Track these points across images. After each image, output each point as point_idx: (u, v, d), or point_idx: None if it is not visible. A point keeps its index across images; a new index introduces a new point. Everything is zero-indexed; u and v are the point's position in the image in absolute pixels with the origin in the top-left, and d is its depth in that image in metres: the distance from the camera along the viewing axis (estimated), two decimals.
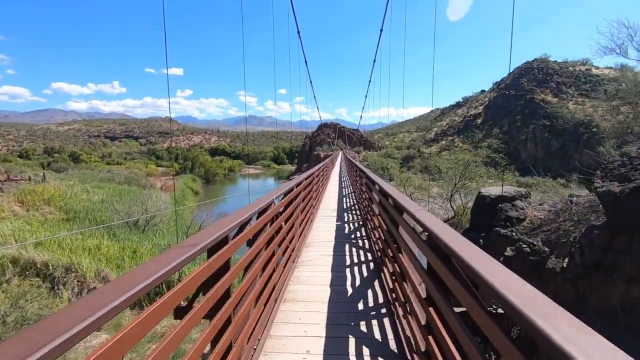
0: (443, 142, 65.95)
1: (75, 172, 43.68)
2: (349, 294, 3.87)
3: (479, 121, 65.55)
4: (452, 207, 17.36)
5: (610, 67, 63.54)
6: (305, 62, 24.58)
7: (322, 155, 52.87)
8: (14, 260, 9.77)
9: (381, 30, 23.09)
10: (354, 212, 9.46)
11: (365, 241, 6.12)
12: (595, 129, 46.57)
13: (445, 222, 15.22)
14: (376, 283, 4.12)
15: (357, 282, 4.21)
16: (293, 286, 4.07)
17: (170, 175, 54.38)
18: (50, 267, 9.55)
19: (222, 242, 1.88)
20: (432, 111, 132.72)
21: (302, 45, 19.85)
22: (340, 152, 51.10)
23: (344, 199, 12.06)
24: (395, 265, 3.18)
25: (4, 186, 22.39)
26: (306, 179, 6.23)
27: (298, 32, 17.58)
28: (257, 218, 2.78)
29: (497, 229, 9.25)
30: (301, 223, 5.56)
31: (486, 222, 9.85)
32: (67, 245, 11.62)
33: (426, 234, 1.94)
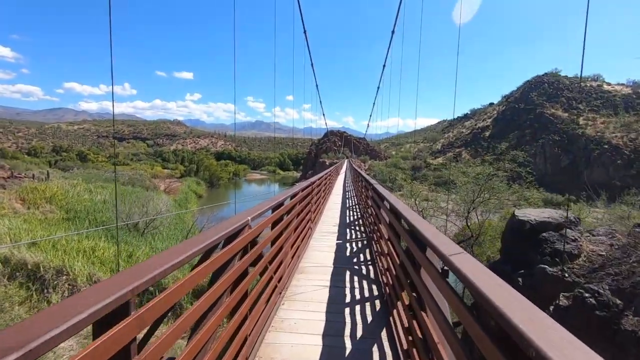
0: (450, 153, 65.33)
1: (80, 171, 43.74)
2: (347, 352, 2.89)
3: (487, 134, 64.92)
4: (467, 226, 15.59)
5: (622, 84, 62.92)
6: (312, 64, 24.12)
7: (327, 163, 52.52)
8: (5, 261, 9.46)
9: (390, 40, 22.75)
10: (357, 228, 8.73)
11: (370, 267, 5.28)
12: (606, 146, 45.90)
13: (459, 243, 13.77)
14: (384, 334, 3.15)
15: (359, 332, 3.25)
16: (273, 335, 3.08)
17: (175, 177, 54.43)
18: (42, 269, 9.22)
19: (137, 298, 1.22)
20: (439, 122, 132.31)
21: (308, 46, 19.31)
22: (346, 161, 50.74)
23: (348, 211, 11.31)
24: (414, 322, 2.32)
25: (7, 183, 22.31)
26: (303, 189, 5.66)
27: (304, 31, 16.99)
28: (224, 246, 2.06)
29: (543, 266, 7.36)
30: (293, 244, 4.70)
31: (524, 253, 8.01)
32: (61, 246, 11.30)
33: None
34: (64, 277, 9.28)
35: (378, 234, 5.10)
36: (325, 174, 11.56)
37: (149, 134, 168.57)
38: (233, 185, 62.17)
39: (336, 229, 8.41)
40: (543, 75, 69.68)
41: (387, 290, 3.79)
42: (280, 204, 3.68)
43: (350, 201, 13.87)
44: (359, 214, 10.62)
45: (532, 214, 8.69)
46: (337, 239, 7.20)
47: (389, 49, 24.61)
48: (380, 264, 4.66)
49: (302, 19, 17.61)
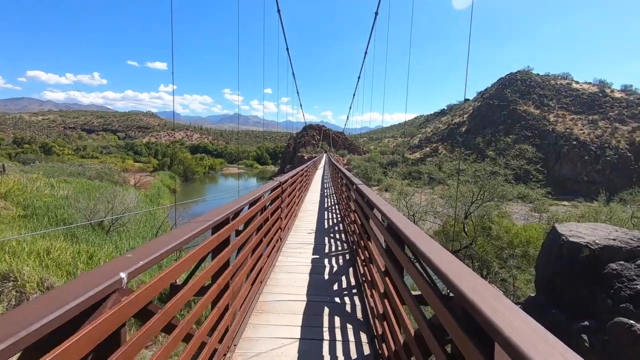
0: (427, 148, 66.22)
1: (43, 164, 41.14)
2: None
3: (463, 129, 66.21)
4: (465, 232, 13.79)
5: (589, 83, 65.60)
6: (287, 49, 23.22)
7: (306, 157, 51.91)
8: None
9: (373, 25, 21.98)
10: (338, 236, 7.53)
11: (356, 301, 3.89)
12: (575, 142, 47.75)
13: (455, 252, 12.23)
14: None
15: None
16: None
17: (148, 171, 52.26)
18: None
19: None
20: (416, 117, 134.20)
21: (282, 27, 18.25)
22: (325, 155, 50.33)
23: (326, 213, 10.30)
24: (366, 252, 3.71)
25: None
26: (273, 190, 4.70)
27: (278, 11, 16.18)
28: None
29: (623, 320, 4.71)
30: (251, 269, 3.45)
31: (585, 294, 5.41)
32: (11, 248, 10.23)
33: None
34: (11, 284, 8.32)
35: (366, 253, 3.84)
36: (302, 170, 10.42)
37: (120, 126, 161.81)
38: (209, 180, 60.50)
39: (312, 237, 7.10)
40: (516, 72, 71.68)
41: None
42: (225, 221, 2.48)
43: (329, 200, 13.30)
44: (339, 216, 9.76)
45: (584, 232, 5.96)
46: (314, 253, 6.03)
47: (370, 35, 23.59)
48: (371, 301, 3.35)
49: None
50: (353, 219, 5.79)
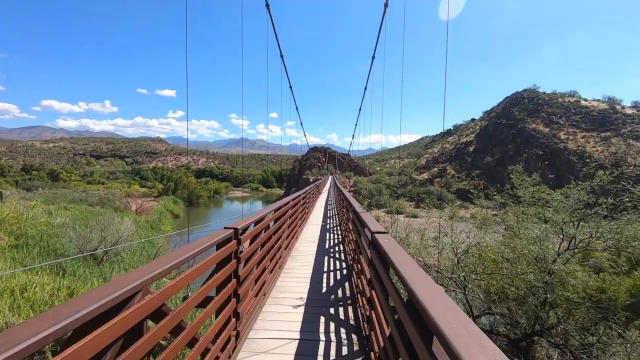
0: (435, 169, 65.02)
1: (46, 191, 40.76)
2: None
3: (471, 149, 65.12)
4: (545, 313, 7.89)
5: (598, 100, 64.71)
6: (290, 87, 23.63)
7: (311, 179, 51.03)
8: None
9: (371, 66, 22.18)
10: (338, 255, 6.56)
11: None
12: (588, 160, 46.30)
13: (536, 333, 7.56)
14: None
15: None
16: None
17: (152, 196, 51.68)
18: None
19: None
20: (422, 138, 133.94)
21: (286, 70, 18.59)
22: (330, 177, 49.40)
23: (329, 234, 9.16)
24: (358, 265, 4.06)
25: None
26: (258, 221, 3.69)
27: (281, 56, 16.40)
28: None
29: None
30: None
31: None
32: None
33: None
34: None
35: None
36: (299, 196, 8.54)
37: (129, 151, 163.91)
38: (213, 204, 59.66)
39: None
40: (522, 91, 71.17)
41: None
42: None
43: (332, 221, 12.08)
44: (340, 236, 8.59)
45: None
46: (314, 269, 5.56)
47: (369, 72, 24.22)
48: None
49: (279, 47, 16.79)
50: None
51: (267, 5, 10.91)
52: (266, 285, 4.38)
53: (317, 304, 4.25)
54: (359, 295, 4.03)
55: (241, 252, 3.10)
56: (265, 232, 4.14)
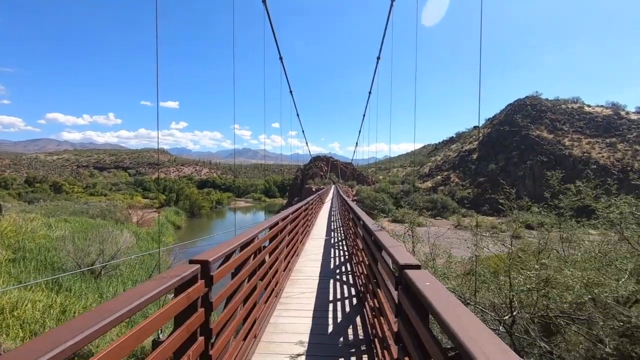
0: (438, 177, 64.52)
1: (47, 203, 40.56)
2: None
3: (475, 156, 64.70)
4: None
5: (602, 106, 64.33)
6: (291, 92, 23.28)
7: (313, 189, 50.65)
8: None
9: (376, 67, 21.88)
10: (345, 277, 6.04)
11: None
12: (594, 166, 45.68)
13: None
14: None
15: None
16: None
17: (154, 207, 51.45)
18: None
19: None
20: (424, 147, 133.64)
21: (286, 73, 18.18)
22: (333, 186, 48.99)
23: (333, 250, 8.49)
24: (375, 301, 3.14)
25: None
26: (245, 245, 3.08)
27: (280, 58, 15.84)
28: None
29: None
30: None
31: None
32: None
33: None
34: None
35: (375, 302, 3.16)
36: (300, 208, 8.11)
37: (132, 163, 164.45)
38: (216, 215, 59.31)
39: (316, 281, 5.64)
40: (525, 98, 70.96)
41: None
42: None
43: (336, 234, 11.52)
44: (346, 253, 7.89)
45: None
46: (317, 298, 4.79)
47: (374, 75, 23.95)
48: None
49: (278, 48, 16.55)
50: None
51: (264, 1, 10.63)
52: (258, 325, 3.50)
53: (322, 351, 3.39)
54: (376, 340, 3.16)
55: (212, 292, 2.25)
56: (255, 257, 3.36)
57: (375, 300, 3.16)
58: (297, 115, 31.78)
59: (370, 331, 3.55)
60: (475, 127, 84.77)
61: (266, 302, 3.98)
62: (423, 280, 1.59)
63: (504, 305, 5.90)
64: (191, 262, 2.04)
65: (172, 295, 1.81)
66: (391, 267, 2.39)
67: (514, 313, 5.61)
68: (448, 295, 1.44)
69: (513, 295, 5.61)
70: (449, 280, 6.89)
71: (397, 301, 2.05)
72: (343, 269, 6.74)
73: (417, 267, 1.85)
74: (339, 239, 10.78)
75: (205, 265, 2.05)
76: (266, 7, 10.64)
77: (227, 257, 2.53)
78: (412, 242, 7.28)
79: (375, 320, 3.13)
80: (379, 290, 3.02)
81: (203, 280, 2.02)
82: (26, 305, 9.27)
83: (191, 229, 42.12)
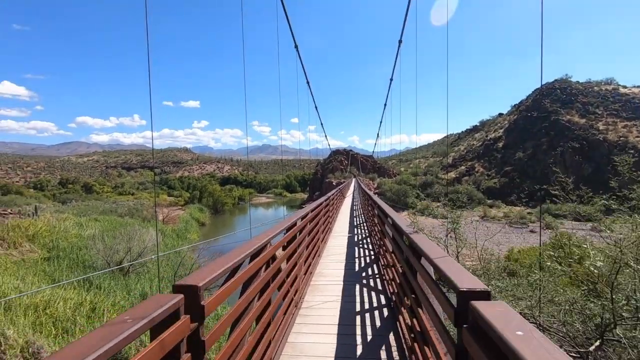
0: (462, 167, 62.69)
1: (79, 203, 42.28)
2: None
3: (501, 145, 62.33)
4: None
5: (639, 86, 60.35)
6: (308, 82, 22.87)
7: (334, 183, 50.36)
8: None
9: (398, 50, 21.16)
10: (372, 281, 5.47)
11: None
12: (632, 151, 43.00)
13: None
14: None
15: None
16: None
17: (179, 205, 52.69)
18: None
19: None
20: (445, 137, 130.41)
21: (302, 62, 17.71)
22: (354, 179, 48.48)
23: (357, 250, 7.98)
24: (414, 320, 2.52)
25: None
26: (255, 254, 2.58)
27: (296, 46, 15.28)
28: None
29: None
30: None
31: None
32: (8, 299, 9.12)
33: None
34: None
35: (415, 322, 2.55)
36: (321, 205, 7.52)
37: (157, 162, 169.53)
38: (238, 211, 60.15)
39: (340, 288, 5.14)
40: (553, 81, 67.46)
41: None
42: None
43: (359, 230, 11.13)
44: (372, 252, 7.40)
45: None
46: (342, 309, 4.23)
47: (396, 60, 23.20)
48: None
49: (293, 36, 16.20)
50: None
51: None
52: (273, 348, 2.88)
53: None
54: None
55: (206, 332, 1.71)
56: (268, 267, 2.79)
57: (415, 321, 2.56)
58: (315, 107, 31.45)
59: (408, 356, 2.85)
60: (500, 115, 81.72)
61: (285, 313, 3.52)
62: (508, 323, 1.05)
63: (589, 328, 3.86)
64: (176, 287, 1.56)
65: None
66: (442, 289, 1.84)
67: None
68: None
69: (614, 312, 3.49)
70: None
71: (457, 341, 1.51)
72: (369, 271, 6.17)
73: (486, 295, 1.38)
74: (363, 235, 10.28)
75: (192, 293, 1.55)
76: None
77: (234, 271, 2.08)
78: (457, 248, 6.05)
79: (416, 345, 2.49)
80: (420, 310, 2.40)
81: (188, 316, 1.50)
82: (58, 303, 9.53)
83: (215, 226, 42.83)
